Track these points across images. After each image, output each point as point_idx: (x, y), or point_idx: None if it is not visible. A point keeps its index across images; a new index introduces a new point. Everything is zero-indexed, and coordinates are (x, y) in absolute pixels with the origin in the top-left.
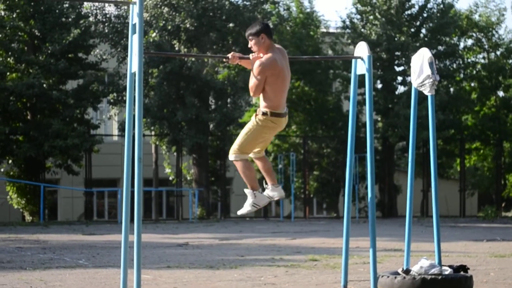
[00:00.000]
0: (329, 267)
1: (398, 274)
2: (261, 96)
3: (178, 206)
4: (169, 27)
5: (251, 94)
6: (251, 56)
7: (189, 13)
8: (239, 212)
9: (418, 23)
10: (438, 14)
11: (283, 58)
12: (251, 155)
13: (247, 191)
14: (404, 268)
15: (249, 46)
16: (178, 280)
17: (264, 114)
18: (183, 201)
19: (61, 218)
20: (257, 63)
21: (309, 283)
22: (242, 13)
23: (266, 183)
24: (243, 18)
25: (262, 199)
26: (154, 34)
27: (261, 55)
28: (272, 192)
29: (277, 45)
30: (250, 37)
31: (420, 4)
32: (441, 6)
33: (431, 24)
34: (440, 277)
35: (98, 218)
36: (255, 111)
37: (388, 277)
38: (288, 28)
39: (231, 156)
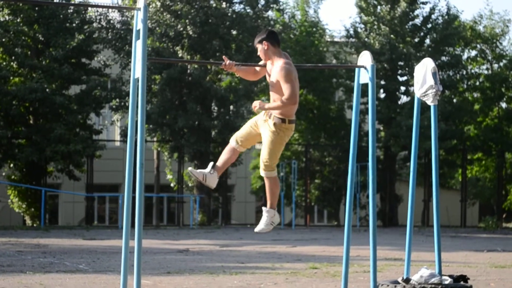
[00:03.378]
0: (330, 275)
1: (398, 283)
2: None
3: (179, 212)
4: (171, 34)
5: (294, 101)
6: (262, 63)
7: (191, 20)
8: (257, 230)
9: (422, 33)
10: (442, 25)
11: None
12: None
13: (268, 209)
14: (404, 277)
15: (258, 54)
16: (178, 286)
17: (283, 121)
18: (184, 207)
19: (62, 223)
20: (284, 68)
21: None
22: (245, 21)
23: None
24: (246, 26)
25: (277, 218)
26: (151, 41)
27: (281, 62)
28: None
29: (284, 52)
30: (256, 46)
31: (424, 14)
32: (446, 17)
33: (435, 35)
34: (440, 286)
35: (99, 223)
36: (264, 119)
37: (388, 286)
38: (292, 36)
39: (264, 173)
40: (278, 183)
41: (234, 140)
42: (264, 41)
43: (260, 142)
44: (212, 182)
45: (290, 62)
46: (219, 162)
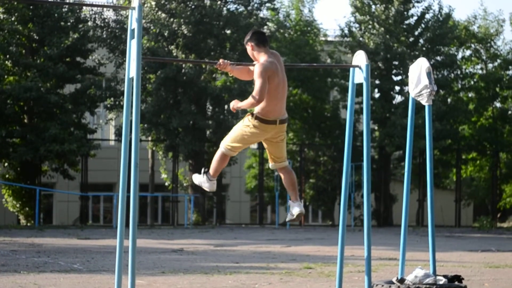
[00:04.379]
0: (324, 275)
1: (393, 283)
2: None
3: (173, 212)
4: (165, 33)
5: (257, 99)
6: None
7: (185, 19)
8: (193, 176)
9: (416, 33)
10: (436, 25)
11: (278, 63)
12: (271, 165)
13: (203, 170)
14: (399, 277)
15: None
16: (172, 286)
17: (251, 115)
18: (178, 206)
19: (56, 222)
20: (256, 66)
21: None
22: (239, 19)
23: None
24: (239, 24)
25: (210, 185)
26: (146, 41)
27: (260, 60)
28: (291, 207)
29: (271, 51)
30: (246, 47)
31: (418, 14)
32: (439, 16)
33: (429, 34)
34: (434, 286)
35: (93, 222)
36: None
37: (382, 286)
38: (286, 35)
39: (222, 144)
40: (224, 161)
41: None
42: (248, 42)
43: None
44: (209, 185)
45: (270, 60)
46: (214, 169)
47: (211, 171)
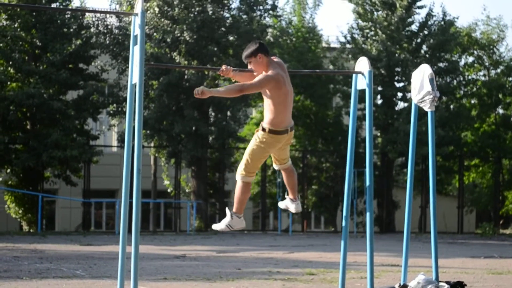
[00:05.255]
0: (326, 281)
1: None
2: (265, 111)
3: (176, 218)
4: (168, 39)
5: (235, 91)
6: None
7: (187, 26)
8: (213, 226)
9: (419, 39)
10: (439, 31)
11: (284, 72)
12: (276, 167)
13: (230, 212)
14: (401, 284)
15: (249, 68)
16: None
17: (263, 130)
18: (181, 213)
19: (59, 228)
20: (263, 74)
21: None
22: (241, 25)
23: (287, 194)
24: (242, 30)
25: (239, 223)
26: (149, 47)
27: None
28: (290, 204)
29: (275, 59)
30: (248, 59)
31: (420, 21)
32: (442, 23)
33: (431, 41)
34: None
35: (95, 228)
36: (258, 125)
37: None
38: (289, 41)
39: (238, 176)
40: (247, 190)
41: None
42: (258, 54)
43: (241, 129)
44: (240, 225)
45: (278, 72)
46: (235, 206)
47: (236, 208)
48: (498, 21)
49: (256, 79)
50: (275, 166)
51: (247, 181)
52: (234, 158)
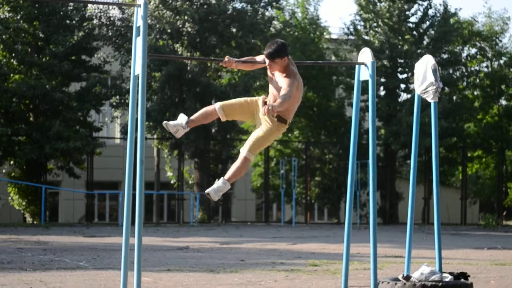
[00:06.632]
0: (330, 273)
1: (399, 280)
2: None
3: (179, 210)
4: (169, 30)
5: (285, 104)
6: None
7: (190, 17)
8: (207, 190)
9: (421, 30)
10: (440, 22)
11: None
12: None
13: (224, 180)
14: (405, 275)
15: (267, 64)
16: (178, 283)
17: (284, 121)
18: (184, 204)
19: (62, 220)
20: (294, 79)
21: None
22: (245, 17)
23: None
24: (245, 23)
25: (226, 188)
26: (152, 39)
27: (292, 70)
28: (218, 180)
29: (289, 58)
30: (275, 59)
31: (422, 11)
32: (443, 14)
33: (433, 32)
34: (440, 284)
35: (99, 220)
36: (266, 113)
37: (388, 283)
38: (292, 33)
39: (245, 152)
40: (246, 166)
41: (219, 106)
42: (284, 57)
43: (243, 122)
44: (181, 134)
45: (299, 76)
46: (194, 118)
47: (229, 178)
48: (501, 14)
49: (289, 87)
50: (224, 118)
51: (250, 159)
52: (237, 149)
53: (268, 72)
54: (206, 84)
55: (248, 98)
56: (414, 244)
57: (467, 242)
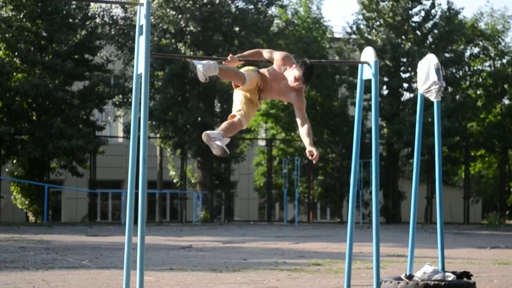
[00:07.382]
0: (332, 272)
1: (401, 279)
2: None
3: (182, 209)
4: (172, 30)
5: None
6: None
7: (193, 16)
8: (206, 131)
9: (424, 30)
10: (444, 22)
11: None
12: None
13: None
14: (407, 274)
15: (296, 84)
16: (180, 282)
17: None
18: (187, 203)
19: (65, 219)
20: (301, 95)
21: (311, 287)
22: (248, 17)
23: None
24: (248, 22)
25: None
26: (155, 38)
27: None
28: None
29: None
30: (303, 84)
31: (425, 10)
32: (447, 13)
33: (436, 31)
34: (443, 283)
35: (101, 219)
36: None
37: (391, 282)
38: (294, 32)
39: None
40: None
41: (239, 116)
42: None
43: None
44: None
45: None
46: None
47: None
48: (503, 12)
49: (301, 99)
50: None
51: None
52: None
53: (276, 67)
54: (209, 83)
55: (248, 94)
56: (417, 243)
57: (469, 242)
